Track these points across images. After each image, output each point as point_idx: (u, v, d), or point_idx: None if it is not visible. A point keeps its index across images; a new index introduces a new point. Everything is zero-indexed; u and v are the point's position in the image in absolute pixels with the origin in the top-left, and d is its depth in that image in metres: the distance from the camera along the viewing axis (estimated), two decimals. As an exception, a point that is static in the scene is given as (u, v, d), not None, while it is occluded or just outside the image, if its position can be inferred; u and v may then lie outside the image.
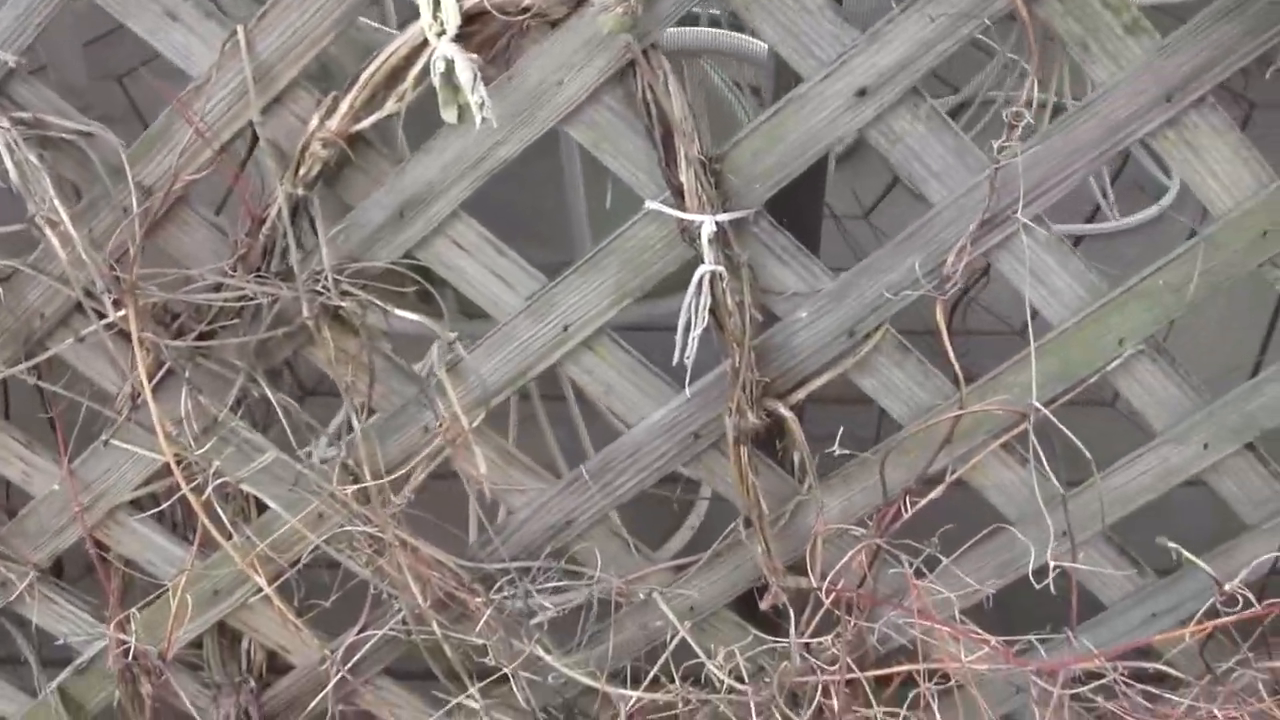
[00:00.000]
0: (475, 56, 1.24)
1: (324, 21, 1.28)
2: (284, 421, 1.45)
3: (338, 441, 1.47)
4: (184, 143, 1.34)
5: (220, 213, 1.43)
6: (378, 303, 1.37)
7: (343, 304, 1.36)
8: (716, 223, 1.31)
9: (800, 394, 1.44)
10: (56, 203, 1.33)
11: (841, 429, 1.40)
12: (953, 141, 1.31)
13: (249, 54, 1.29)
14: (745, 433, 1.42)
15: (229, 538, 1.52)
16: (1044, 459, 1.42)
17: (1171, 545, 1.40)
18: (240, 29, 1.28)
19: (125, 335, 1.39)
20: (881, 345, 1.42)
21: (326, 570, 1.61)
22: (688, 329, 1.36)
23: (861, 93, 1.28)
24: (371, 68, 1.28)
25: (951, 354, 1.38)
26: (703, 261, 1.33)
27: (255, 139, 1.33)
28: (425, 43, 1.26)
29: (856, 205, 3.19)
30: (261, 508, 1.57)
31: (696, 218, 1.31)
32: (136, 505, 1.59)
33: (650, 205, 1.34)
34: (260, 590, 1.57)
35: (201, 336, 1.41)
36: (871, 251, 1.38)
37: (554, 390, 2.27)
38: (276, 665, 1.75)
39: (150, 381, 1.41)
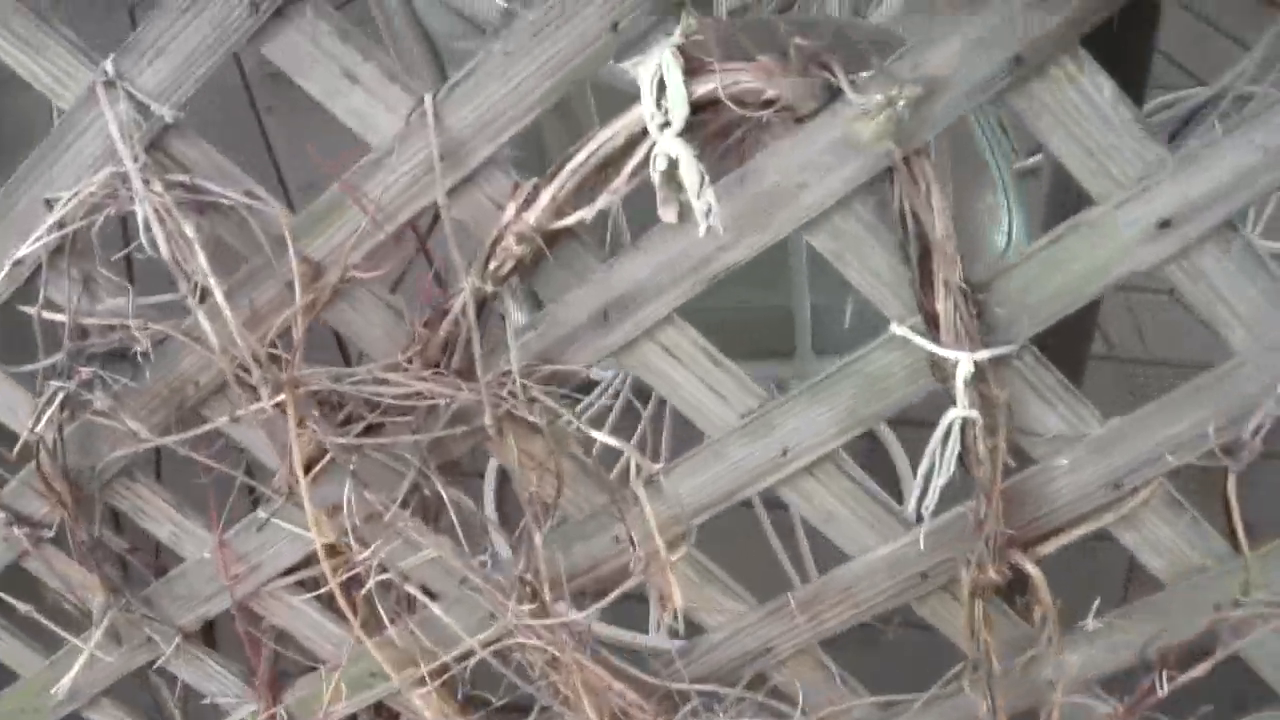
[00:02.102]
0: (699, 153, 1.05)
1: (529, 96, 1.09)
2: (455, 519, 1.29)
3: (517, 549, 1.30)
4: (360, 221, 1.16)
5: (397, 289, 1.25)
6: (572, 416, 1.19)
7: (530, 416, 1.18)
8: (975, 361, 1.11)
9: (1049, 547, 1.23)
10: (212, 281, 1.17)
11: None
12: (1267, 283, 1.08)
13: (437, 127, 1.11)
14: (983, 588, 1.22)
15: (391, 622, 1.37)
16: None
17: None
18: (428, 98, 1.10)
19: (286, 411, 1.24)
20: (1151, 500, 1.21)
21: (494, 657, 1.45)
22: (929, 475, 1.16)
23: (1165, 224, 1.05)
24: (580, 156, 1.10)
25: (1239, 526, 1.17)
26: (954, 404, 1.13)
27: (438, 217, 1.15)
28: (645, 132, 1.07)
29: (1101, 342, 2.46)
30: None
31: (952, 354, 1.11)
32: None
33: (897, 330, 1.13)
34: (422, 680, 1.43)
35: (371, 427, 1.25)
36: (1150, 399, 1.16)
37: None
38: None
39: (311, 472, 1.26)
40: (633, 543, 1.28)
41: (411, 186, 1.14)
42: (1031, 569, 1.22)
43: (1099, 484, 1.19)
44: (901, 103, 1.01)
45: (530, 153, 1.12)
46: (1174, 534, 1.23)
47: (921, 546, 1.23)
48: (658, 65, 1.05)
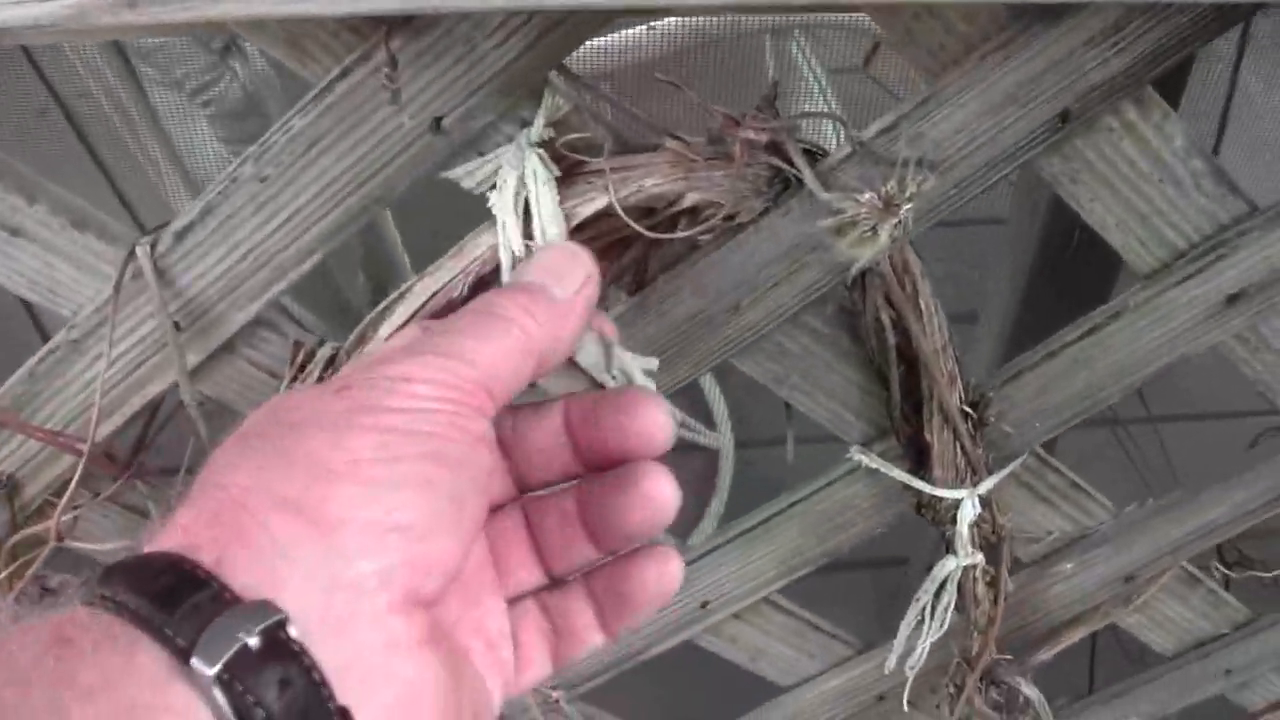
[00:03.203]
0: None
1: (308, 234, 0.69)
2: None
3: None
4: (75, 411, 0.76)
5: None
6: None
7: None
8: (980, 497, 0.80)
9: (1045, 655, 0.97)
10: None
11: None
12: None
13: (167, 290, 0.70)
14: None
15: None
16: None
17: None
18: (141, 251, 0.69)
19: None
20: (1166, 583, 0.94)
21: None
22: (915, 632, 0.86)
23: (1234, 298, 0.75)
24: (398, 315, 0.71)
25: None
26: (952, 551, 0.82)
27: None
28: (497, 271, 0.69)
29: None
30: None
31: (950, 494, 0.80)
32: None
33: (865, 461, 0.81)
34: None
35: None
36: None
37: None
38: None
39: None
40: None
41: (135, 370, 0.74)
42: (1027, 689, 0.95)
43: (1108, 580, 0.92)
44: (907, 206, 0.67)
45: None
46: (1187, 609, 0.98)
47: (906, 697, 0.93)
48: (519, 178, 0.67)
